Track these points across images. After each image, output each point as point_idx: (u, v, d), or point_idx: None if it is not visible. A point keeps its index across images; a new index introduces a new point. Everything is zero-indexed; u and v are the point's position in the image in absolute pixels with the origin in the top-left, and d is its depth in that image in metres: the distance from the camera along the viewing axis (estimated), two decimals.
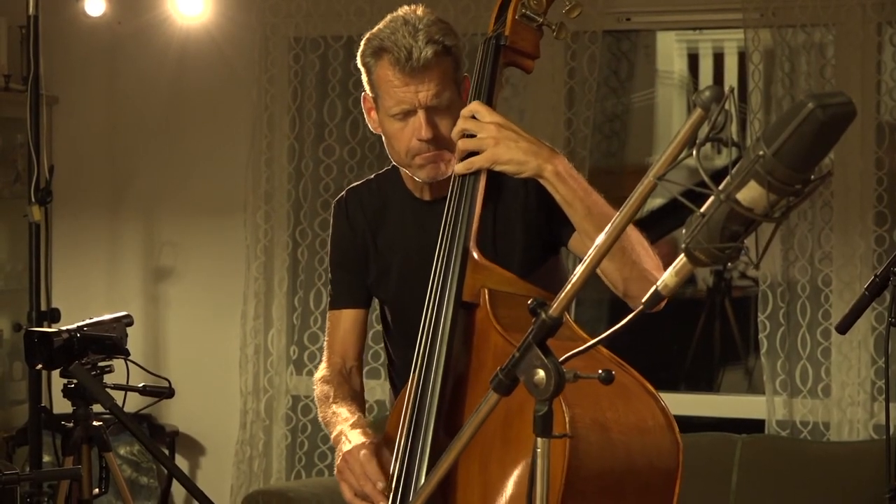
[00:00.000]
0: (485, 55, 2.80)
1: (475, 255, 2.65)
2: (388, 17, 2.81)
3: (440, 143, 2.77)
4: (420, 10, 2.80)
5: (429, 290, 2.68)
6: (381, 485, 2.62)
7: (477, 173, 2.69)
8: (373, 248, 2.97)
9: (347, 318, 3.01)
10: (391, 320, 3.00)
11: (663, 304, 2.72)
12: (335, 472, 2.75)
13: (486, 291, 2.61)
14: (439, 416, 2.58)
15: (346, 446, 2.73)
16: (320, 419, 2.94)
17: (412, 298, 2.83)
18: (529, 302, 1.97)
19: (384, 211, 2.94)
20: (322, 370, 3.02)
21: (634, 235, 2.67)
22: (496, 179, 2.73)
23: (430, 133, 2.75)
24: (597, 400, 2.42)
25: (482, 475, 2.50)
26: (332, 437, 2.81)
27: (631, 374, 2.54)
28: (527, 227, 2.79)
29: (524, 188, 2.77)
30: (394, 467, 2.64)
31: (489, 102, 2.74)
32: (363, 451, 2.68)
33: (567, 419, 2.33)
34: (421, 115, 2.76)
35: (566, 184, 2.61)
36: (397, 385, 2.98)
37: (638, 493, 2.47)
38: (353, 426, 2.77)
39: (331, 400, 2.90)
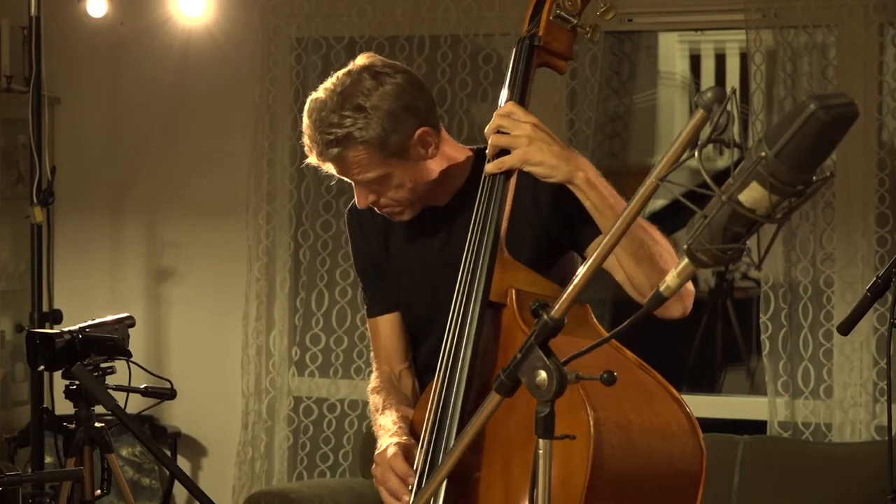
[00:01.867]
0: (518, 55, 2.77)
1: (505, 254, 2.65)
2: (328, 80, 2.76)
3: (385, 205, 2.80)
4: (346, 83, 2.72)
5: (456, 289, 2.67)
6: (410, 479, 2.62)
7: (507, 173, 2.68)
8: (385, 254, 2.96)
9: (385, 324, 3.00)
10: (406, 323, 2.99)
11: (689, 309, 2.74)
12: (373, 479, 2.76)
13: (514, 292, 2.60)
14: (463, 415, 2.58)
15: (378, 451, 2.74)
16: (374, 430, 2.93)
17: (424, 301, 2.84)
18: (531, 303, 1.97)
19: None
20: (373, 380, 3.01)
21: (664, 243, 2.66)
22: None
23: (364, 204, 2.80)
24: (620, 403, 2.41)
25: (504, 476, 2.51)
26: (376, 448, 2.81)
27: (655, 379, 2.53)
28: (536, 226, 2.78)
29: (534, 188, 2.77)
30: (417, 464, 2.65)
31: (522, 103, 2.72)
32: (391, 448, 2.68)
33: (591, 421, 2.33)
34: (355, 187, 2.80)
35: (597, 190, 2.60)
36: (416, 385, 2.98)
37: (659, 496, 2.46)
38: (392, 434, 2.76)
39: (379, 412, 2.89)
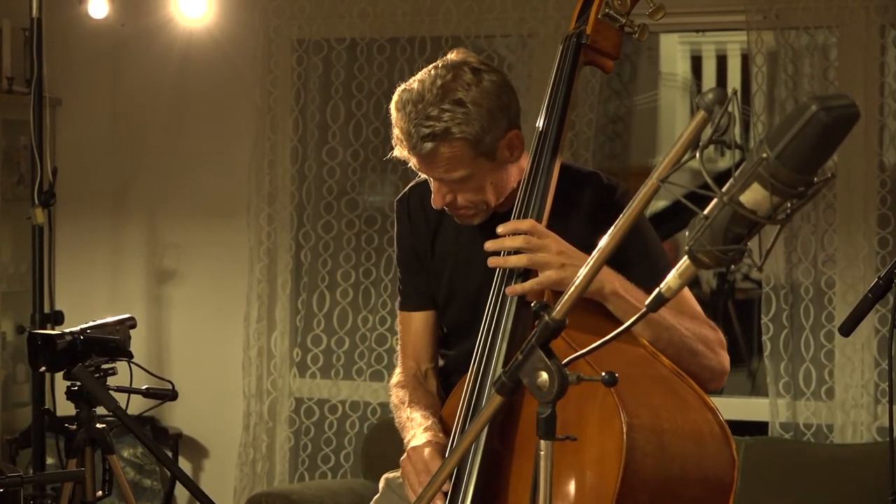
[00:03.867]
0: (565, 53, 2.75)
1: None
2: (421, 73, 2.71)
3: (461, 206, 2.76)
4: (446, 76, 2.67)
5: (493, 286, 2.65)
6: (446, 486, 2.58)
7: (550, 169, 2.67)
8: (430, 250, 2.94)
9: (418, 320, 2.97)
10: (443, 323, 2.97)
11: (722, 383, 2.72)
12: (400, 471, 2.73)
13: (550, 293, 2.58)
14: (494, 415, 2.58)
15: (413, 443, 2.71)
16: (396, 424, 2.90)
17: (466, 303, 2.82)
18: (533, 304, 1.97)
19: (443, 213, 2.86)
20: (397, 375, 2.98)
21: (693, 331, 2.66)
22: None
23: (440, 203, 2.75)
24: (655, 409, 2.41)
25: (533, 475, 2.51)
26: (405, 440, 2.78)
27: (690, 386, 2.52)
28: (575, 229, 2.72)
29: (589, 201, 2.75)
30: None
31: (566, 104, 2.70)
32: (428, 449, 2.66)
33: (625, 427, 2.32)
34: (435, 185, 2.74)
35: (625, 300, 2.57)
36: (444, 386, 2.95)
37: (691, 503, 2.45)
38: (426, 429, 2.74)
39: (406, 405, 2.86)
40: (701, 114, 1.74)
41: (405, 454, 2.70)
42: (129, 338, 3.99)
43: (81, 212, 6.13)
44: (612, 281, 2.57)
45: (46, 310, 5.07)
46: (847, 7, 5.06)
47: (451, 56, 2.73)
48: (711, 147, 1.73)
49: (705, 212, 1.74)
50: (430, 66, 2.72)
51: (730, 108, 1.71)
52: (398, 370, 3.00)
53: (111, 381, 3.87)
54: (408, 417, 2.82)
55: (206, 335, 6.01)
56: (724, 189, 1.71)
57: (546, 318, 1.94)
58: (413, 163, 2.72)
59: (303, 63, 5.76)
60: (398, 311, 3.06)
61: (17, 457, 5.80)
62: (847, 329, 3.32)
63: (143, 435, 3.58)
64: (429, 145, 2.64)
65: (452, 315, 2.91)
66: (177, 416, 5.97)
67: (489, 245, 2.62)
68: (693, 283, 2.01)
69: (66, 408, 4.14)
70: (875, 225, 5.06)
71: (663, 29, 6.28)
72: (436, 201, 2.75)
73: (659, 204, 6.96)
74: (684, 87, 8.36)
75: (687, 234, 1.76)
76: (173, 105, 6.01)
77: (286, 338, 5.81)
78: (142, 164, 6.12)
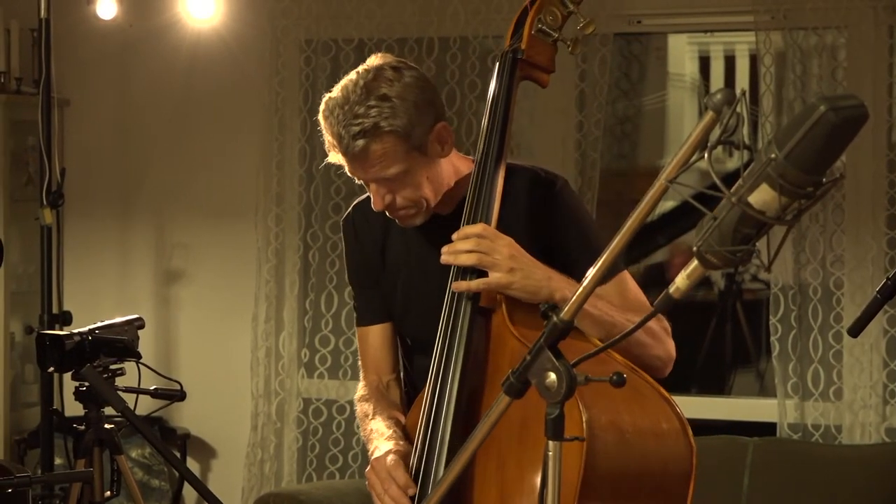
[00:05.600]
0: (502, 69, 2.80)
1: None
2: (342, 81, 2.75)
3: (401, 206, 2.78)
4: (368, 76, 2.72)
5: (446, 294, 2.68)
6: (411, 490, 2.63)
7: (494, 179, 2.71)
8: (381, 263, 2.96)
9: (375, 334, 3.00)
10: (401, 332, 2.99)
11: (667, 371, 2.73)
12: (366, 483, 2.75)
13: (504, 296, 2.61)
14: (456, 420, 2.60)
15: (376, 454, 2.74)
16: (362, 437, 2.93)
17: (418, 311, 2.85)
18: (541, 305, 1.98)
19: (390, 225, 2.90)
20: (360, 389, 3.01)
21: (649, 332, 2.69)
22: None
23: (381, 206, 2.77)
24: (613, 402, 2.44)
25: (499, 475, 2.52)
26: (369, 452, 2.81)
27: (644, 379, 2.56)
28: (524, 231, 2.75)
29: (527, 197, 2.79)
30: (411, 469, 2.66)
31: (506, 116, 2.75)
32: (390, 457, 2.68)
33: (584, 420, 2.35)
34: (373, 187, 2.77)
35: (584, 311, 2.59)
36: (410, 393, 2.98)
37: (652, 494, 2.49)
38: (388, 438, 2.77)
39: (369, 417, 2.89)
40: (709, 114, 1.74)
41: (369, 466, 2.73)
42: (138, 338, 4.00)
43: (90, 212, 6.14)
44: (562, 288, 2.61)
45: (55, 310, 5.08)
46: (856, 7, 5.05)
47: (370, 60, 2.78)
48: (720, 147, 1.73)
49: (714, 212, 1.74)
50: (351, 73, 2.76)
51: (738, 109, 1.71)
52: (361, 384, 3.03)
53: (119, 382, 3.88)
54: (371, 430, 2.85)
55: (214, 336, 6.02)
56: (732, 190, 1.71)
57: (554, 318, 1.94)
58: (347, 168, 2.76)
59: (311, 63, 5.76)
60: (356, 328, 3.09)
61: (25, 457, 5.81)
62: (856, 330, 3.31)
63: (152, 435, 3.57)
64: (360, 142, 2.67)
65: (412, 324, 2.93)
66: (185, 417, 5.97)
67: (444, 249, 2.66)
68: (703, 283, 2.01)
69: (74, 408, 4.15)
70: (884, 225, 5.06)
71: (671, 29, 6.28)
72: (376, 204, 2.77)
73: (667, 204, 6.95)
74: (692, 88, 8.34)
75: (695, 234, 1.76)
76: (181, 105, 6.02)
77: (294, 338, 5.81)
78: (150, 165, 6.13)
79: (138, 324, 4.03)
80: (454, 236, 2.66)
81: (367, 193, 2.84)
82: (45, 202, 5.07)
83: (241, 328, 5.86)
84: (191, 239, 6.07)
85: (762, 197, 1.68)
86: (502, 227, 2.70)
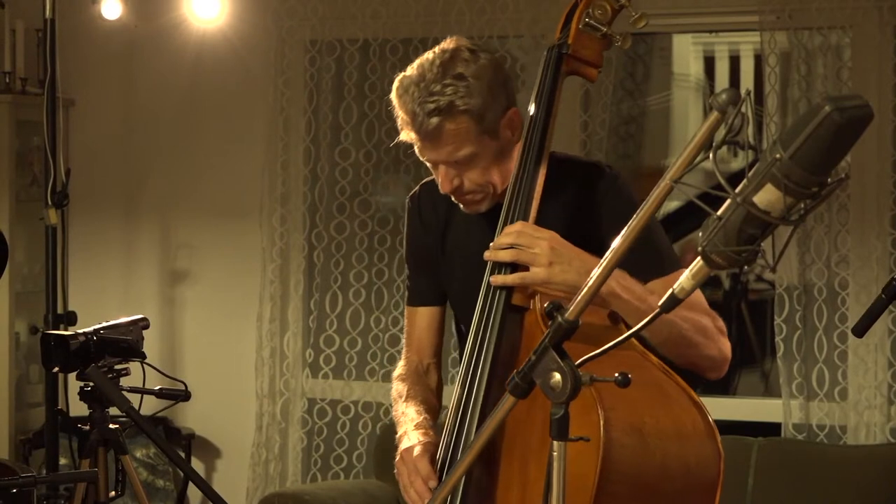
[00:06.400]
0: (547, 64, 2.78)
1: None
2: (417, 60, 2.75)
3: (468, 190, 2.77)
4: (444, 56, 2.72)
5: (481, 292, 2.68)
6: (432, 482, 2.64)
7: (534, 175, 2.69)
8: (441, 247, 2.96)
9: (423, 315, 3.02)
10: (456, 320, 3.00)
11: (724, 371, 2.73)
12: (395, 471, 2.77)
13: (538, 296, 2.60)
14: (482, 417, 2.59)
15: (404, 444, 2.76)
16: (393, 416, 2.96)
17: (471, 300, 2.81)
18: (546, 304, 1.98)
19: (454, 209, 2.89)
20: (399, 367, 3.03)
21: (694, 323, 2.65)
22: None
23: (448, 188, 2.76)
24: (634, 404, 2.41)
25: (521, 475, 2.52)
26: (398, 436, 2.83)
27: (675, 381, 2.52)
28: (564, 227, 2.72)
29: (576, 189, 2.78)
30: (437, 461, 2.68)
31: (549, 111, 2.74)
32: (417, 448, 2.70)
33: (602, 422, 2.33)
34: (441, 169, 2.76)
35: (621, 299, 2.57)
36: None
37: (674, 498, 2.46)
38: (417, 426, 2.79)
39: (403, 399, 2.92)
40: (714, 114, 1.74)
41: (398, 455, 2.75)
42: (142, 338, 4.00)
43: (94, 212, 6.14)
44: (609, 283, 2.57)
45: (60, 310, 5.08)
46: (860, 7, 5.05)
47: (445, 43, 2.78)
48: (725, 148, 1.73)
49: (719, 213, 1.74)
50: (426, 53, 2.76)
51: (743, 109, 1.71)
52: (401, 362, 3.05)
53: (124, 382, 3.88)
54: (402, 412, 2.87)
55: (218, 336, 6.02)
56: (737, 190, 1.71)
57: (559, 318, 1.94)
58: (418, 147, 2.75)
59: (315, 64, 5.76)
60: (405, 306, 3.10)
61: (30, 457, 5.81)
62: (860, 330, 3.31)
63: (156, 435, 3.58)
64: (434, 120, 2.67)
65: (466, 313, 2.92)
66: (189, 417, 5.97)
67: (490, 246, 2.66)
68: (708, 283, 2.00)
69: (79, 408, 4.15)
70: (888, 225, 5.06)
71: (676, 30, 6.28)
72: (443, 186, 2.77)
73: (672, 205, 6.95)
74: (697, 88, 8.34)
75: (700, 234, 1.76)
76: (186, 106, 6.02)
77: (299, 338, 5.81)
78: (155, 165, 6.13)
79: (143, 324, 4.03)
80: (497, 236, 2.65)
81: (431, 164, 2.81)
82: (49, 202, 5.07)
83: (245, 328, 5.86)
84: (195, 239, 6.08)
85: (767, 197, 1.68)
86: (545, 220, 2.67)
